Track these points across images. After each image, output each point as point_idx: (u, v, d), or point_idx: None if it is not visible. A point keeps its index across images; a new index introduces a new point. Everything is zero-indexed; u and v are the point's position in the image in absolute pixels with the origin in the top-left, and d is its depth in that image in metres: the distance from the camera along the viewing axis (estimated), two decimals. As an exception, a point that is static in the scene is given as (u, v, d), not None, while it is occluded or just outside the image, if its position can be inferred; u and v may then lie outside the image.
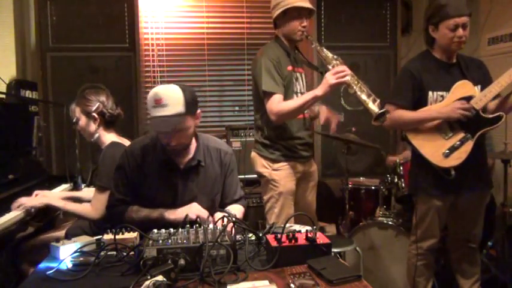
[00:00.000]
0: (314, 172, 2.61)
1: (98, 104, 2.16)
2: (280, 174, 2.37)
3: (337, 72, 2.09)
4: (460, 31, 2.14)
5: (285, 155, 2.37)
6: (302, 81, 2.46)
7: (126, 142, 2.22)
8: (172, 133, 1.69)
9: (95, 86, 2.24)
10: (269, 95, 2.24)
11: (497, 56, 3.39)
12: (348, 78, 2.09)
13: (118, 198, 1.84)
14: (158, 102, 1.63)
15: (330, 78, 2.10)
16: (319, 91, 2.14)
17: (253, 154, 2.47)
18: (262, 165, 2.41)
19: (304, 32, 2.33)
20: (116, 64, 3.45)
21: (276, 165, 2.37)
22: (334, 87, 2.11)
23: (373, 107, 2.05)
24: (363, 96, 2.08)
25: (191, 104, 1.69)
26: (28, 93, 3.19)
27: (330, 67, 2.19)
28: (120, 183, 1.85)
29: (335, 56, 2.26)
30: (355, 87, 2.09)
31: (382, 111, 2.03)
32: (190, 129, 1.74)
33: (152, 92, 1.66)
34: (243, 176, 3.37)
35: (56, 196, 2.29)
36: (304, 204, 2.51)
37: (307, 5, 2.31)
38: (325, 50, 2.28)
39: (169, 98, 1.64)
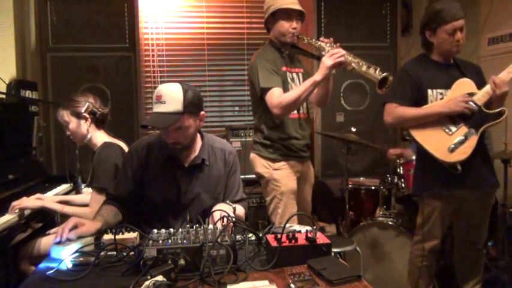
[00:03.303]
0: (311, 173, 2.62)
1: (87, 104, 2.17)
2: (281, 174, 2.37)
3: (333, 54, 2.12)
4: (458, 34, 2.17)
5: (284, 155, 2.38)
6: (299, 80, 2.46)
7: (118, 142, 2.22)
8: (169, 130, 1.70)
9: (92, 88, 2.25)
10: (268, 90, 2.25)
11: (497, 56, 3.39)
12: (343, 58, 2.11)
13: (110, 193, 1.86)
14: (158, 99, 1.68)
15: (326, 61, 2.12)
16: (317, 76, 2.16)
17: (253, 155, 2.48)
18: (262, 166, 2.41)
19: (294, 33, 2.33)
20: (116, 64, 3.44)
21: (276, 165, 2.38)
22: (332, 68, 2.14)
23: (375, 74, 2.06)
24: (363, 68, 2.09)
25: (192, 104, 1.70)
26: (28, 93, 3.19)
27: (324, 53, 2.19)
28: (120, 180, 1.86)
29: (329, 44, 2.24)
30: (353, 64, 2.11)
31: (384, 75, 2.05)
32: (189, 129, 1.74)
33: (157, 88, 1.72)
34: (243, 176, 3.37)
35: (52, 199, 2.27)
36: (301, 204, 2.51)
37: (295, 6, 2.31)
38: (317, 41, 2.28)
39: (169, 95, 1.67)
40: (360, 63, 2.11)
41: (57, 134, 3.34)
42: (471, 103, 2.12)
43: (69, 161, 2.96)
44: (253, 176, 2.53)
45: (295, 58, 2.49)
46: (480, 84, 2.22)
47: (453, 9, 2.16)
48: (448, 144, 2.15)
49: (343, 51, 2.13)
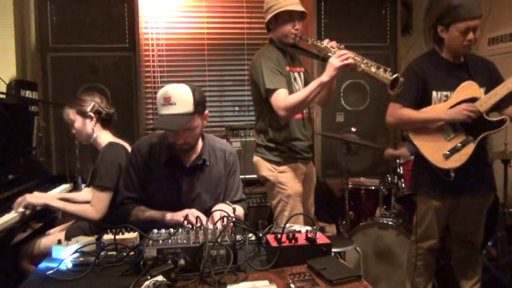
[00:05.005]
0: (314, 174, 2.61)
1: (93, 103, 2.17)
2: (287, 176, 2.34)
3: (341, 55, 2.06)
4: (471, 34, 2.08)
5: (290, 157, 2.35)
6: (301, 80, 2.45)
7: (123, 143, 2.22)
8: (180, 132, 1.70)
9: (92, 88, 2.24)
10: (273, 91, 2.21)
11: (497, 56, 3.39)
12: (351, 60, 2.05)
13: (128, 196, 1.87)
14: (167, 101, 1.66)
15: (334, 62, 2.05)
16: (324, 77, 2.09)
17: (256, 158, 2.43)
18: (267, 169, 2.37)
19: (297, 34, 2.30)
20: (116, 64, 3.44)
21: (281, 168, 2.34)
22: (340, 70, 2.06)
23: (386, 75, 2.00)
24: (373, 69, 2.03)
25: (199, 104, 1.71)
26: (28, 93, 3.18)
27: (330, 54, 2.13)
28: (129, 181, 1.87)
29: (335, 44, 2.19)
30: (362, 65, 2.05)
31: (394, 76, 1.99)
32: (197, 129, 1.75)
33: (162, 90, 1.69)
34: (243, 176, 3.37)
35: (54, 197, 2.27)
36: (305, 205, 2.50)
37: (298, 8, 2.28)
38: (323, 42, 2.22)
39: (179, 96, 1.66)
40: (369, 64, 2.05)
41: (57, 134, 3.33)
42: (475, 113, 2.09)
43: (69, 161, 2.96)
44: (254, 176, 2.53)
45: (296, 57, 2.47)
46: (493, 81, 2.18)
47: (471, 6, 2.06)
48: (443, 150, 2.14)
49: (351, 53, 2.08)
